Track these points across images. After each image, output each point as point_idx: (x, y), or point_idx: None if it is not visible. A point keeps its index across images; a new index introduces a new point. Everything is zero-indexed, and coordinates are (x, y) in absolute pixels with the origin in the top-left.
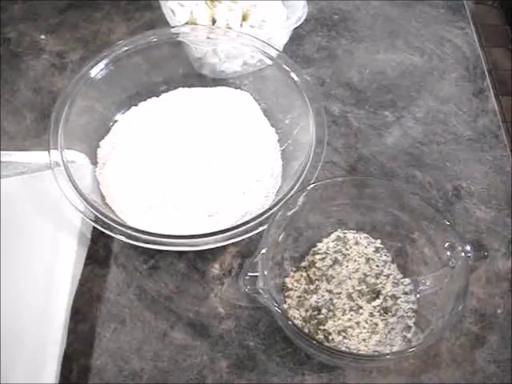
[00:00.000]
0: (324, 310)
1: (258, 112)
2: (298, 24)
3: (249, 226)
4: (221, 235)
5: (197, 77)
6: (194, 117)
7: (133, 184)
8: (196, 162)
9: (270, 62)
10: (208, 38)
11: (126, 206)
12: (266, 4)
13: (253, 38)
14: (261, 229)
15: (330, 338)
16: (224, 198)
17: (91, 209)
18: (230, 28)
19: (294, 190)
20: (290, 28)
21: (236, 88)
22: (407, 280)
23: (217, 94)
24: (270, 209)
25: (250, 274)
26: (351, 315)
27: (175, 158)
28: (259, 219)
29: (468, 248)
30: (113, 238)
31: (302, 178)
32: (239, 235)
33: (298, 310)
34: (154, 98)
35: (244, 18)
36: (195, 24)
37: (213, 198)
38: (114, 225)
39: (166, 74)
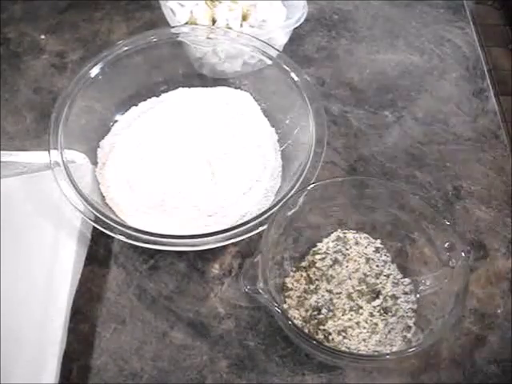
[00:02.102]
0: (324, 310)
1: (258, 112)
2: (297, 24)
3: (249, 226)
4: (221, 235)
5: (197, 77)
6: (193, 117)
7: (133, 184)
8: (196, 162)
9: (269, 61)
10: (208, 38)
11: (125, 206)
12: (266, 4)
13: (253, 38)
14: (261, 229)
15: (330, 337)
16: (224, 198)
17: (91, 209)
18: (230, 28)
19: (294, 190)
20: (290, 28)
21: (236, 88)
22: (407, 280)
23: (217, 94)
24: (269, 209)
25: (249, 273)
26: (351, 315)
27: (175, 158)
28: (259, 219)
29: (468, 248)
30: (113, 238)
31: (301, 178)
32: (239, 235)
33: (298, 309)
34: (153, 98)
35: (244, 18)
36: (195, 24)
37: (213, 198)
38: (114, 225)
39: (166, 74)
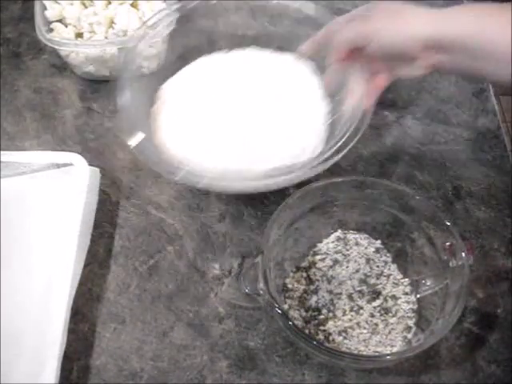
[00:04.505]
0: (324, 311)
1: (317, 82)
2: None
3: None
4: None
5: (267, 38)
6: (253, 76)
7: (190, 126)
8: (247, 115)
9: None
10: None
11: (179, 151)
12: (125, 15)
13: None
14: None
15: (331, 338)
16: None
17: (91, 209)
18: (93, 32)
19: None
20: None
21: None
22: (407, 280)
23: (282, 60)
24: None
25: (250, 274)
26: (351, 316)
27: (231, 106)
28: (308, 166)
29: (468, 248)
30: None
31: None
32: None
33: (298, 310)
34: (222, 53)
35: (110, 25)
36: (65, 23)
37: (259, 154)
38: None
39: (239, 32)
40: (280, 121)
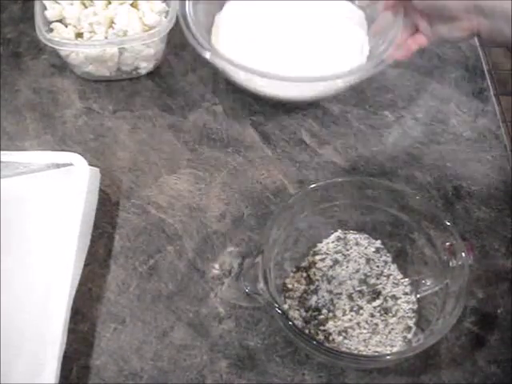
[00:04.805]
0: (324, 311)
1: (364, 30)
2: (167, 30)
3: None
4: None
5: None
6: (310, 10)
7: (250, 37)
8: (298, 36)
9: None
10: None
11: (241, 56)
12: (125, 15)
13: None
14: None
15: (331, 338)
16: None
17: (91, 209)
18: (93, 32)
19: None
20: (162, 34)
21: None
22: (407, 280)
23: (339, 4)
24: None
25: (250, 274)
26: (351, 316)
27: (285, 26)
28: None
29: (468, 248)
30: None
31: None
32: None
33: (298, 310)
34: None
35: (110, 25)
36: (65, 23)
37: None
38: None
39: None
40: (322, 54)
